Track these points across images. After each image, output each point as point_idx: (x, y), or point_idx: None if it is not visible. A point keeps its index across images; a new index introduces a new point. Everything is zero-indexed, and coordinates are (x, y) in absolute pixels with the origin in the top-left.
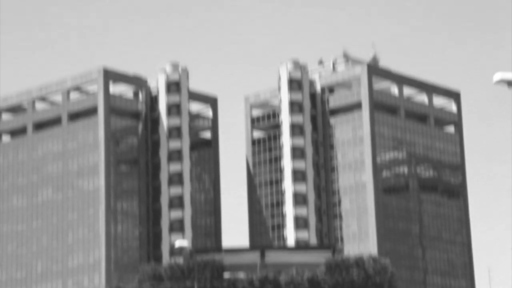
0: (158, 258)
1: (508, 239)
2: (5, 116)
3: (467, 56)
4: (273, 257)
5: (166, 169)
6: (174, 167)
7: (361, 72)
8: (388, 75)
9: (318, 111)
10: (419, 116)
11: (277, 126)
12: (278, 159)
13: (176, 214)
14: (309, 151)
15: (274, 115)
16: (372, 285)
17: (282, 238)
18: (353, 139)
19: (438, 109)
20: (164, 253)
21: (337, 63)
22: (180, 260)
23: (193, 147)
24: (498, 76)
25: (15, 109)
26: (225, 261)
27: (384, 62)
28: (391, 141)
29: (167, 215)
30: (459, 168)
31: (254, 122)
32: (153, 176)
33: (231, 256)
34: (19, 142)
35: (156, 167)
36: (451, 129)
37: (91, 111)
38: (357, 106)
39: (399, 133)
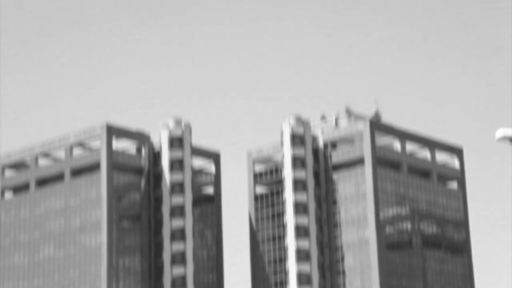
0: None
1: None
2: (8, 173)
3: (470, 112)
4: None
5: (169, 225)
6: (177, 223)
7: (364, 127)
8: (390, 130)
9: (320, 167)
10: (422, 171)
11: (280, 182)
12: (281, 214)
13: (178, 270)
14: (312, 207)
15: (276, 170)
16: None
17: None
18: (356, 195)
19: (441, 165)
20: None
21: (340, 118)
22: None
23: (196, 202)
24: (500, 133)
25: (18, 166)
26: None
27: (386, 118)
28: (394, 197)
29: (169, 272)
30: (463, 224)
31: (257, 177)
32: (156, 232)
33: None
34: (22, 199)
35: (159, 223)
36: (454, 185)
37: (94, 167)
38: (360, 161)
39: (402, 189)
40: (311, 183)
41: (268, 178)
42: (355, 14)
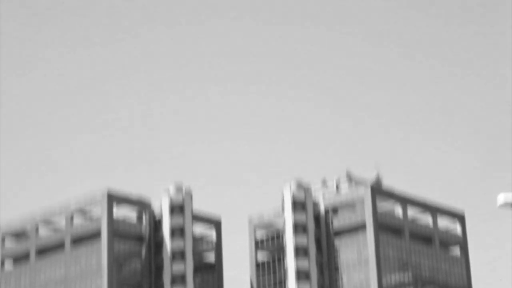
0: None
1: None
2: (8, 242)
3: (471, 176)
4: None
5: None
6: None
7: (365, 193)
8: (391, 195)
9: (322, 233)
10: (424, 237)
11: (281, 248)
12: (282, 282)
13: None
14: (314, 274)
15: (278, 236)
16: None
17: None
18: (358, 261)
19: (443, 230)
20: None
21: (341, 183)
22: None
23: (197, 270)
24: (501, 199)
25: (19, 234)
26: None
27: (388, 182)
28: (397, 263)
29: None
30: None
31: (258, 244)
32: None
33: None
34: (22, 269)
35: None
36: (456, 251)
37: (95, 235)
38: (362, 227)
39: (404, 255)
40: (312, 250)
41: (269, 244)
42: (355, 79)
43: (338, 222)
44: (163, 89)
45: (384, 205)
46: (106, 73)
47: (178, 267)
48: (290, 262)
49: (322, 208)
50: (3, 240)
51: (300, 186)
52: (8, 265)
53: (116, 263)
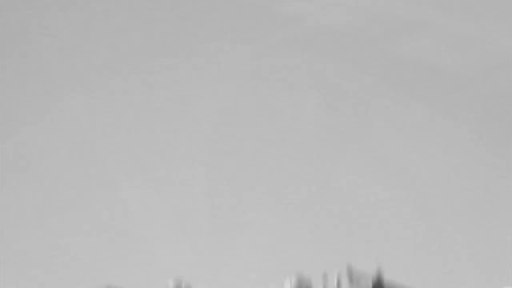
0: None
1: None
2: None
3: (474, 269)
4: None
5: None
6: None
7: None
8: None
9: None
10: None
11: None
12: None
13: None
14: None
15: None
16: None
17: None
18: None
19: None
20: None
21: (341, 277)
22: None
23: None
24: None
25: None
26: None
27: (389, 275)
28: None
29: None
30: None
31: None
32: None
33: None
34: None
35: None
36: None
37: None
38: None
39: None
40: None
41: None
42: (354, 169)
43: None
44: (160, 181)
45: None
46: (99, 161)
47: None
48: None
49: None
50: None
51: (301, 282)
52: None
53: None
